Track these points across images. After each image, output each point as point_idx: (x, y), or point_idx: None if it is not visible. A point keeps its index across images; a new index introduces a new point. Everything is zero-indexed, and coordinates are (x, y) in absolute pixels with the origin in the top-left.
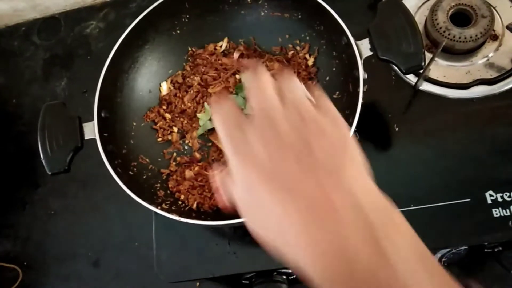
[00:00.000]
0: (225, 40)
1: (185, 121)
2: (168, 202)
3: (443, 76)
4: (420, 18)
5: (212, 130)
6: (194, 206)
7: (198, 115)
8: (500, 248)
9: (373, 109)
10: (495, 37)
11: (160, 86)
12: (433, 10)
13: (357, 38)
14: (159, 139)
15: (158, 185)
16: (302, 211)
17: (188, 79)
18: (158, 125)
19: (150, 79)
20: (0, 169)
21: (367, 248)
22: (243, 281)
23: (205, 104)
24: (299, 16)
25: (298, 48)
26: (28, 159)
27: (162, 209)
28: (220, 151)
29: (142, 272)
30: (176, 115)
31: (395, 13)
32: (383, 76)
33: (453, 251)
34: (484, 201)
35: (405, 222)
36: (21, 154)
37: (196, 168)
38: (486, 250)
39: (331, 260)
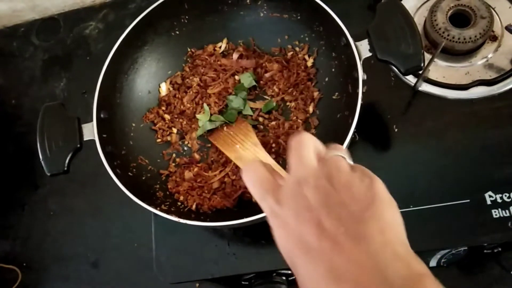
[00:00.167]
0: (224, 41)
1: (184, 122)
2: (167, 203)
3: (443, 77)
4: (419, 19)
5: (211, 131)
6: (193, 207)
7: (198, 116)
8: (500, 249)
9: (372, 110)
10: (494, 38)
11: (159, 87)
12: (432, 11)
13: (356, 39)
14: (158, 140)
15: (158, 186)
16: (324, 276)
17: (187, 80)
18: (157, 126)
19: (149, 80)
20: None
21: None
22: (243, 282)
23: (204, 105)
24: (298, 17)
25: (297, 49)
26: (28, 159)
27: (161, 210)
28: (219, 152)
29: (142, 273)
30: (175, 116)
31: (394, 14)
32: (383, 77)
33: (453, 252)
34: (484, 202)
35: (433, 286)
36: (21, 154)
37: (196, 169)
38: (485, 251)
39: None
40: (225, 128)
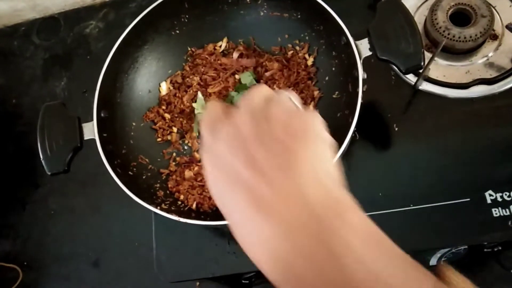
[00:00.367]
0: (225, 40)
1: (185, 121)
2: (168, 202)
3: (443, 76)
4: (419, 18)
5: None
6: (194, 206)
7: (194, 104)
8: (500, 248)
9: (372, 109)
10: (494, 37)
11: (160, 86)
12: (433, 10)
13: (357, 38)
14: (159, 139)
15: (158, 185)
16: (252, 208)
17: (187, 79)
18: (157, 125)
19: (150, 79)
20: (0, 169)
21: (314, 249)
22: (243, 281)
23: (198, 93)
24: (299, 16)
25: (297, 48)
26: (28, 159)
27: (162, 209)
28: None
29: (142, 272)
30: (176, 115)
31: (394, 13)
32: (383, 76)
33: (453, 250)
34: (484, 200)
35: (358, 216)
36: (21, 154)
37: (196, 168)
38: (485, 250)
39: (277, 260)
40: None
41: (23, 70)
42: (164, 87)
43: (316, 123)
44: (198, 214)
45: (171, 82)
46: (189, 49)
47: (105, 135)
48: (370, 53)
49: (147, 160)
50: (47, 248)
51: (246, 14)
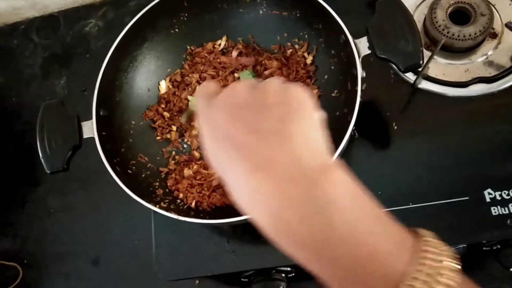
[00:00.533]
0: (224, 38)
1: None
2: (167, 200)
3: (442, 74)
4: (419, 16)
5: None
6: (193, 204)
7: (189, 97)
8: (499, 246)
9: (371, 107)
10: (494, 35)
11: (159, 84)
12: (432, 8)
13: (356, 36)
14: (158, 138)
15: (157, 183)
16: (249, 169)
17: (186, 77)
18: (157, 123)
19: (149, 77)
20: None
21: (303, 201)
22: (242, 279)
23: (197, 87)
24: (298, 15)
25: (296, 46)
26: (28, 157)
27: (161, 207)
28: None
29: (142, 270)
30: (175, 113)
31: (393, 12)
32: (382, 74)
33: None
34: (483, 199)
35: (341, 176)
36: (21, 152)
37: (195, 167)
38: (484, 249)
39: (271, 215)
40: None
41: (23, 68)
42: (163, 86)
43: (308, 97)
44: (197, 212)
45: (170, 80)
46: (188, 47)
47: (104, 133)
48: (369, 51)
49: (146, 158)
50: (47, 246)
51: (245, 12)
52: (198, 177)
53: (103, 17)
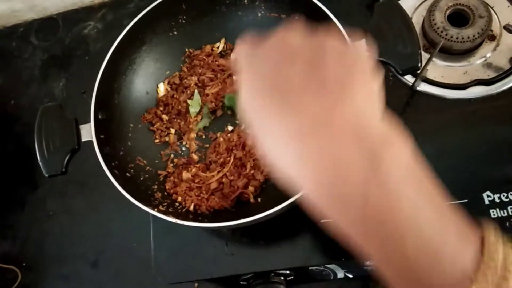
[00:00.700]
0: (222, 41)
1: (182, 123)
2: (165, 203)
3: (441, 77)
4: (417, 19)
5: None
6: (191, 207)
7: (189, 101)
8: None
9: None
10: (492, 37)
11: (157, 87)
12: (431, 10)
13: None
14: (156, 141)
15: (155, 186)
16: (301, 123)
17: (185, 80)
18: (155, 126)
19: (147, 80)
20: None
21: (360, 163)
22: (241, 282)
23: (195, 91)
24: (296, 17)
25: None
26: (27, 160)
27: (159, 211)
28: (217, 153)
29: (141, 273)
30: (173, 116)
31: (392, 15)
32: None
33: None
34: (482, 202)
35: (405, 147)
36: (20, 155)
37: (194, 170)
38: None
39: (322, 170)
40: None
41: (22, 71)
42: (162, 88)
43: (369, 62)
44: (196, 216)
45: (168, 83)
46: (186, 50)
47: (102, 136)
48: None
49: (144, 161)
50: (46, 249)
51: (244, 15)
52: (196, 180)
53: (102, 19)
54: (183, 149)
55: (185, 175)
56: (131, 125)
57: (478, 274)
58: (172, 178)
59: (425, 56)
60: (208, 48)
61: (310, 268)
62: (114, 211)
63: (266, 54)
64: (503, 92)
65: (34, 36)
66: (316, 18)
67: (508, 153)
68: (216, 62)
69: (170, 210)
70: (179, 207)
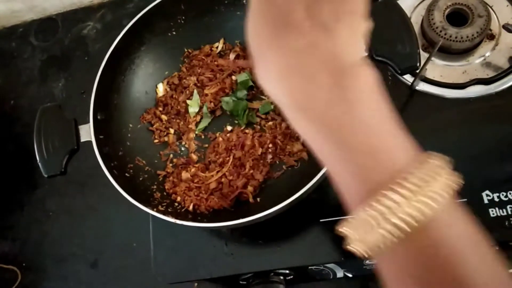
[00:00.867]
0: (221, 41)
1: (181, 123)
2: (165, 203)
3: (440, 76)
4: (416, 18)
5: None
6: (191, 207)
7: (188, 101)
8: (497, 248)
9: None
10: (491, 37)
11: (157, 87)
12: (430, 10)
13: None
14: (156, 141)
15: (155, 186)
16: (291, 45)
17: (184, 80)
18: (154, 126)
19: (146, 80)
20: None
21: (328, 81)
22: (241, 282)
23: (194, 91)
24: None
25: None
26: (26, 160)
27: (158, 211)
28: (216, 153)
29: (140, 273)
30: (173, 116)
31: (390, 14)
32: (379, 76)
33: None
34: (481, 201)
35: (372, 76)
36: (19, 155)
37: (193, 170)
38: None
39: (297, 95)
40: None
41: (21, 71)
42: (161, 89)
43: (362, 4)
44: (195, 215)
45: (167, 83)
46: (185, 50)
47: (101, 137)
48: (366, 54)
49: (144, 161)
50: (46, 249)
51: (243, 15)
52: (195, 180)
53: (101, 19)
54: (182, 149)
55: (184, 175)
56: (130, 125)
57: (406, 172)
58: (171, 178)
59: (424, 55)
60: (207, 48)
61: (309, 267)
62: (114, 211)
63: None
64: (502, 91)
65: (33, 37)
66: None
67: (507, 152)
68: (215, 62)
69: (169, 210)
70: (178, 207)
